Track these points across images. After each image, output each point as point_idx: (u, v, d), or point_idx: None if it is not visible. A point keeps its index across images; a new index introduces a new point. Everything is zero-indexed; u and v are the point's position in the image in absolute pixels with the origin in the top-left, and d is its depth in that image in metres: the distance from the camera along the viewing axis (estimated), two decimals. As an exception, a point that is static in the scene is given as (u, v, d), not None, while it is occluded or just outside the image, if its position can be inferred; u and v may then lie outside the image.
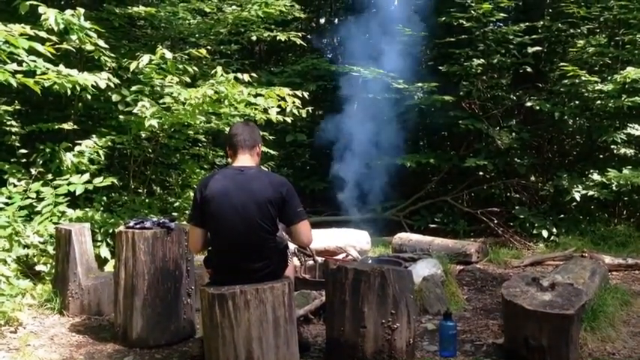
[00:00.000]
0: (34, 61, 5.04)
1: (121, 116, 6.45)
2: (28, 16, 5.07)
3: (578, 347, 3.83)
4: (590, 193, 7.90)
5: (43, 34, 4.94)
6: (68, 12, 5.29)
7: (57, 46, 5.11)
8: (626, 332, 4.40)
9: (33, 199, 5.87)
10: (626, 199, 8.60)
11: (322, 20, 13.62)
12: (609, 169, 7.74)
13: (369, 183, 8.67)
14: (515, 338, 3.81)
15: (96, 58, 6.07)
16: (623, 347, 4.10)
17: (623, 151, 8.47)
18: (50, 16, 5.09)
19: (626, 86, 8.07)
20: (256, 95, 6.38)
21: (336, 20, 13.12)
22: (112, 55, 6.26)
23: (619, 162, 8.32)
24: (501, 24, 9.43)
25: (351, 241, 6.72)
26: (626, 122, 8.42)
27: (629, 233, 7.88)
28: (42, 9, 5.12)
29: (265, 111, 6.55)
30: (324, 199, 9.40)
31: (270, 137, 7.81)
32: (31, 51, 4.86)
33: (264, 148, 6.88)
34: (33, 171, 6.15)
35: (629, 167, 7.84)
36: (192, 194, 4.37)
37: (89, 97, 6.08)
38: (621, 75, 7.87)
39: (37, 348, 4.11)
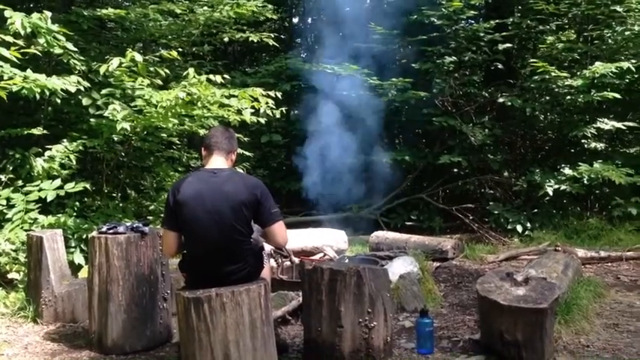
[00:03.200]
0: (0, 66, 4.96)
1: (92, 120, 6.36)
2: (-7, 21, 4.99)
3: (553, 341, 3.88)
4: (563, 187, 8.03)
5: (9, 38, 4.86)
6: (35, 15, 5.21)
7: (24, 50, 5.03)
8: (600, 324, 4.47)
9: (3, 206, 5.78)
10: (597, 192, 8.75)
11: (295, 20, 13.62)
12: (580, 164, 7.87)
13: (345, 182, 8.68)
14: (491, 333, 3.85)
15: (65, 61, 5.99)
16: (597, 339, 4.16)
17: (593, 145, 8.62)
18: (16, 20, 5.01)
19: (595, 81, 8.22)
20: (229, 96, 6.36)
21: (309, 20, 13.12)
22: (82, 58, 6.19)
23: (590, 156, 8.47)
24: (472, 21, 9.54)
25: (328, 241, 6.71)
26: (596, 117, 8.57)
27: (601, 226, 8.01)
28: (8, 13, 5.04)
29: (239, 112, 6.53)
30: (301, 200, 9.39)
31: (245, 139, 7.79)
32: (-4, 56, 4.78)
33: (239, 150, 6.86)
34: (3, 177, 6.05)
35: (600, 161, 7.98)
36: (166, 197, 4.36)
37: (59, 101, 6.00)
38: (590, 70, 8.01)
39: (11, 357, 4.04)
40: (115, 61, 5.64)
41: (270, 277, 4.03)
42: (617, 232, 7.73)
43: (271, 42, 8.35)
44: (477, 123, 9.22)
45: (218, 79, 6.08)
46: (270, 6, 8.45)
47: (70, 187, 5.98)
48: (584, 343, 4.08)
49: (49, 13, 5.37)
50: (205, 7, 7.80)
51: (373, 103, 9.19)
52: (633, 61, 8.02)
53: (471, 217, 8.48)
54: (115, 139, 6.62)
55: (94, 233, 4.26)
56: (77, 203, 6.36)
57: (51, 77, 5.49)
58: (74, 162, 6.26)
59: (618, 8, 8.47)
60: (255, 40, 8.39)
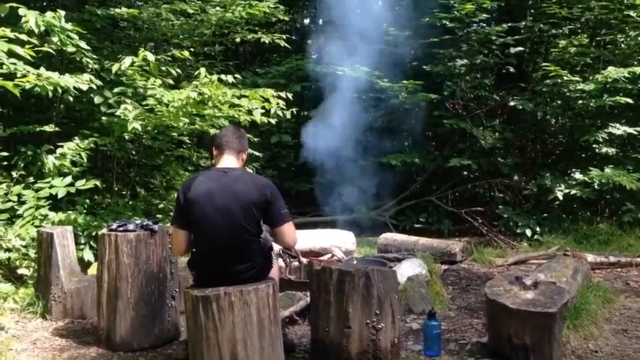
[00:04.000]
0: (14, 63, 5.01)
1: (103, 118, 6.41)
2: (8, 19, 5.02)
3: (561, 345, 3.86)
4: (573, 192, 7.98)
5: (23, 36, 4.90)
6: (49, 14, 5.26)
7: (37, 48, 5.07)
8: (609, 330, 4.44)
9: (14, 202, 5.83)
10: (608, 197, 8.69)
11: (307, 21, 13.62)
12: (591, 168, 7.83)
13: (354, 183, 8.68)
14: (499, 337, 3.84)
15: (78, 59, 6.04)
16: (606, 345, 4.14)
17: (604, 150, 8.55)
18: (31, 18, 5.06)
19: (607, 86, 8.16)
20: (240, 97, 6.38)
21: (321, 21, 13.12)
22: (95, 56, 6.24)
23: (601, 161, 8.41)
24: (484, 24, 9.50)
25: (336, 242, 6.72)
26: (608, 121, 8.51)
27: (611, 231, 7.94)
28: (22, 11, 5.08)
29: (249, 112, 6.55)
30: (310, 200, 9.40)
31: (255, 139, 7.80)
32: (11, 53, 4.82)
33: (249, 150, 6.87)
34: (14, 174, 6.09)
35: (611, 166, 7.93)
36: (176, 196, 4.40)
37: (71, 99, 6.05)
38: (602, 75, 7.96)
39: (20, 352, 4.06)
40: (127, 60, 5.69)
41: (279, 277, 4.04)
42: (627, 238, 7.66)
43: (282, 43, 8.38)
44: (488, 126, 9.19)
45: (229, 79, 6.11)
46: (281, 7, 8.48)
47: (80, 184, 6.03)
48: (593, 348, 4.05)
49: (62, 12, 5.42)
50: (217, 8, 7.84)
51: (383, 104, 9.18)
52: (646, 66, 7.97)
53: (480, 221, 8.44)
54: (126, 137, 6.67)
55: (104, 230, 4.29)
56: (87, 200, 6.41)
57: (64, 75, 5.55)
58: (85, 159, 6.31)
59: (632, 13, 8.42)
60: (267, 41, 8.42)
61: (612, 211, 8.86)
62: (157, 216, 6.76)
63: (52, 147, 6.29)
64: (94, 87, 5.98)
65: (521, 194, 9.14)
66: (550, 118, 9.16)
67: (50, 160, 6.10)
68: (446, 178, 9.66)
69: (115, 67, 5.77)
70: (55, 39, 5.48)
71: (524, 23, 9.29)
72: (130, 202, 6.90)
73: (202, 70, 6.12)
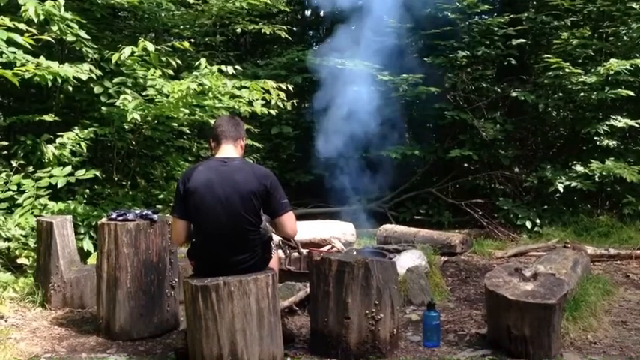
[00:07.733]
0: (14, 52, 5.00)
1: (103, 108, 6.39)
2: (7, 7, 5.01)
3: (560, 336, 3.86)
4: (573, 184, 7.97)
5: (22, 25, 4.89)
6: (48, 3, 5.25)
7: (37, 37, 5.05)
8: (608, 321, 4.44)
9: (14, 191, 5.83)
10: (608, 189, 8.67)
11: (308, 12, 13.56)
12: (592, 161, 7.82)
13: (355, 175, 8.67)
14: (498, 328, 3.84)
15: (77, 49, 6.02)
16: (605, 336, 4.14)
17: (605, 142, 8.52)
18: (30, 7, 5.05)
19: (609, 78, 8.14)
20: (241, 87, 6.37)
21: (322, 12, 13.06)
22: (94, 46, 6.22)
23: (602, 153, 8.39)
24: (486, 16, 9.45)
25: (336, 233, 6.71)
26: (609, 114, 8.48)
27: (611, 224, 7.94)
28: (22, 0, 5.06)
29: (250, 103, 6.55)
30: (310, 191, 9.39)
31: (256, 130, 7.79)
32: (10, 42, 4.80)
33: (249, 141, 6.86)
34: (14, 163, 6.08)
35: (612, 159, 7.92)
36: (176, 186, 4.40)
37: (71, 88, 6.03)
38: (604, 67, 7.93)
39: (19, 341, 4.08)
40: (127, 50, 5.68)
41: (278, 267, 4.04)
42: (627, 230, 7.67)
43: (283, 34, 8.35)
44: (489, 118, 9.17)
45: (229, 70, 6.08)
46: (283, -2, 8.46)
47: (80, 174, 6.03)
48: (592, 339, 4.06)
49: (62, 1, 5.41)
50: (219, -3, 7.81)
51: (384, 97, 9.15)
52: (648, 58, 7.94)
53: (480, 213, 8.43)
54: (126, 127, 6.65)
55: (104, 220, 4.29)
56: (87, 190, 6.42)
57: (63, 65, 5.53)
58: (85, 149, 6.30)
59: (634, 5, 8.37)
60: (268, 32, 8.39)
61: (612, 204, 8.85)
62: (157, 206, 6.76)
63: (51, 137, 6.27)
64: (94, 77, 5.96)
65: (521, 186, 9.12)
66: (551, 111, 9.14)
67: (50, 150, 6.09)
68: (446, 170, 9.64)
69: (114, 57, 5.75)
70: (54, 28, 5.47)
71: (526, 15, 9.24)
72: (130, 193, 6.90)
73: (203, 60, 6.11)
